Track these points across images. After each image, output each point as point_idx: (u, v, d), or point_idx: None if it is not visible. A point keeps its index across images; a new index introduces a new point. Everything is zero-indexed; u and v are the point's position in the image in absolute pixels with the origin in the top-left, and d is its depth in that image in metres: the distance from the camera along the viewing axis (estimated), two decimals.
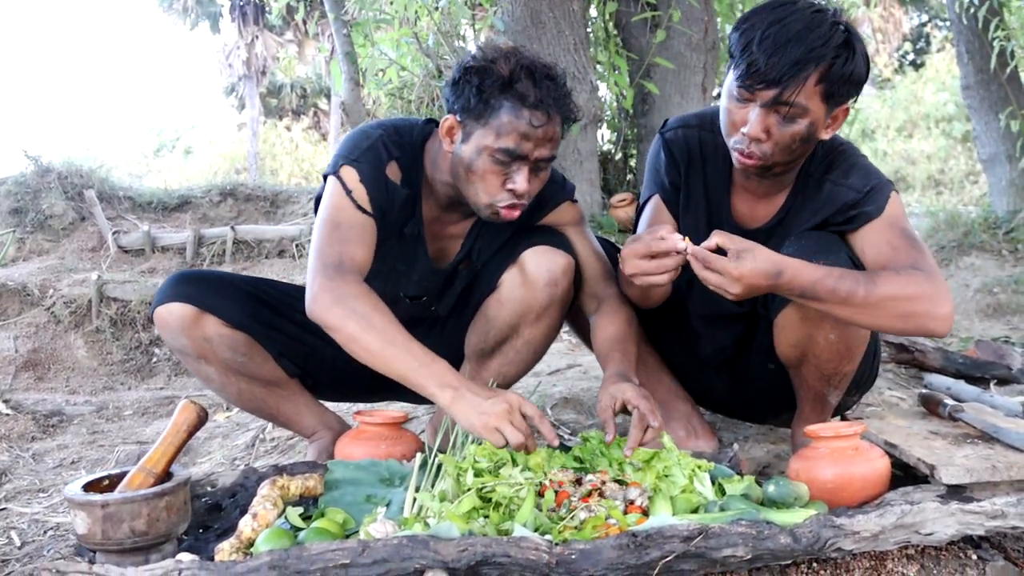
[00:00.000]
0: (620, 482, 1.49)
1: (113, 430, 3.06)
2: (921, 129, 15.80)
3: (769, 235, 1.70)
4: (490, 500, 1.39)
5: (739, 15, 1.86)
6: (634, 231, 1.92)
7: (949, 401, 1.87)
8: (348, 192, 1.67)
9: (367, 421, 1.74)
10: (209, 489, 1.64)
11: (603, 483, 1.46)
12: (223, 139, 23.91)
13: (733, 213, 1.79)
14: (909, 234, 1.59)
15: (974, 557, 1.39)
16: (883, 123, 16.26)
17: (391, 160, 1.72)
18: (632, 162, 5.92)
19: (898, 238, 1.58)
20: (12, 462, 2.61)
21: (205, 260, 5.48)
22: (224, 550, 1.30)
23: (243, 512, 1.43)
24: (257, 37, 20.53)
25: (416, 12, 5.19)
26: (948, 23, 10.83)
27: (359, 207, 1.67)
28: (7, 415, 3.07)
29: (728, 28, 5.55)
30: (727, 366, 1.98)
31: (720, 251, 1.46)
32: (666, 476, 1.49)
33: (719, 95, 1.79)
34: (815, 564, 1.33)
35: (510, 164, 1.61)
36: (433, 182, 1.76)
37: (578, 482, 1.48)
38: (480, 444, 1.50)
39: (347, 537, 1.35)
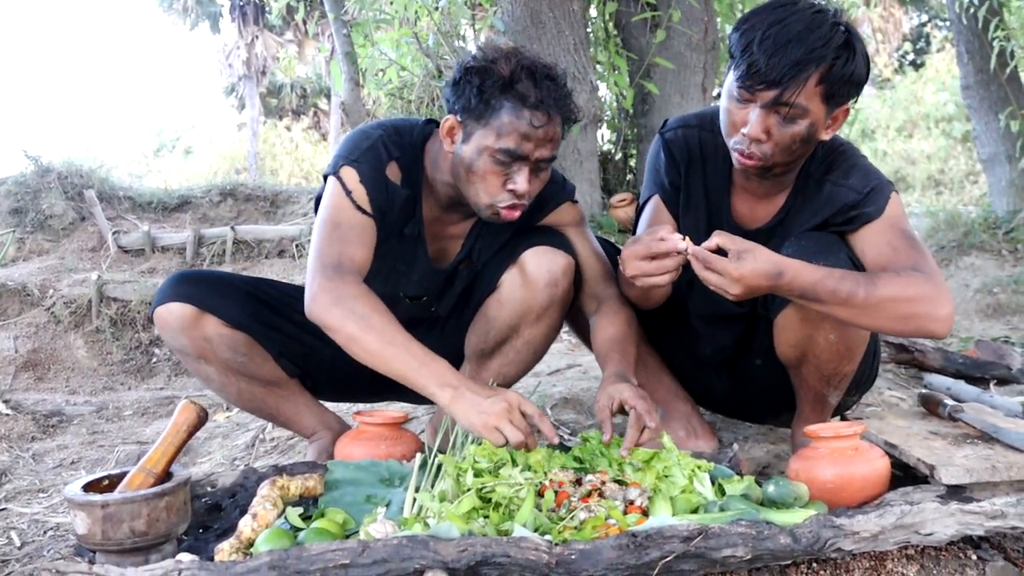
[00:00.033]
0: (620, 482, 1.49)
1: (113, 430, 3.06)
2: (921, 129, 15.81)
3: (769, 236, 1.70)
4: (490, 500, 1.39)
5: (739, 15, 1.86)
6: (634, 231, 1.92)
7: (949, 401, 1.87)
8: (348, 193, 1.67)
9: (367, 421, 1.74)
10: (209, 489, 1.64)
11: (603, 483, 1.46)
12: (223, 139, 23.91)
13: (733, 213, 1.79)
14: (909, 235, 1.59)
15: (974, 557, 1.39)
16: (883, 123, 16.26)
17: (391, 160, 1.72)
18: (632, 162, 5.92)
19: (898, 239, 1.58)
20: (12, 462, 2.61)
21: (205, 260, 5.48)
22: (224, 550, 1.30)
23: (243, 512, 1.43)
24: (257, 37, 20.53)
25: (416, 12, 5.19)
26: (948, 23, 10.84)
27: (359, 208, 1.67)
28: (7, 415, 3.07)
29: (728, 28, 5.56)
30: (727, 366, 1.98)
31: (721, 251, 1.46)
32: (666, 476, 1.49)
33: (719, 95, 1.79)
34: (815, 564, 1.33)
35: (511, 164, 1.61)
36: (433, 182, 1.76)
37: (578, 482, 1.48)
38: (480, 444, 1.50)
39: (347, 537, 1.35)
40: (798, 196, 1.71)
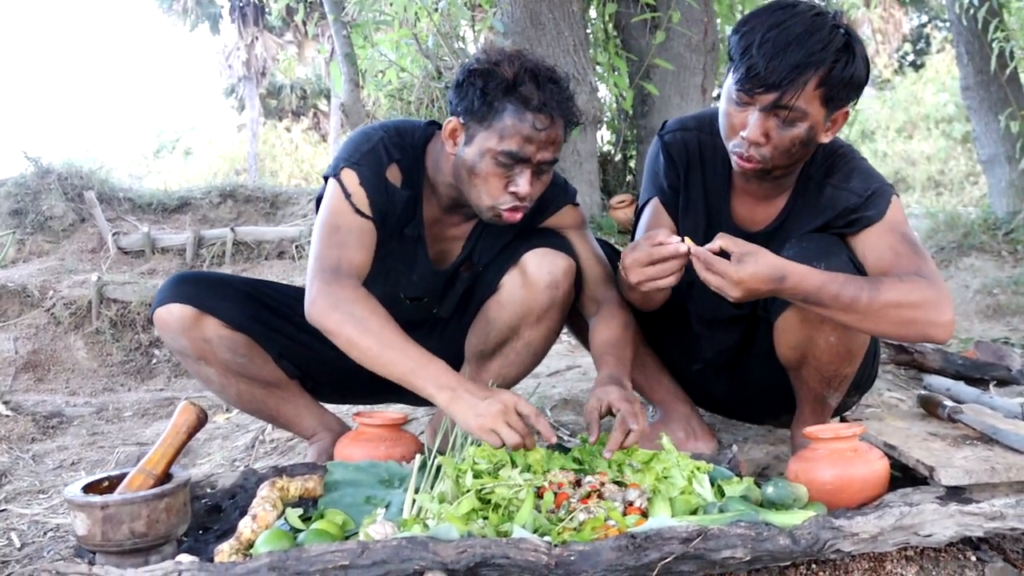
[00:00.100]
0: (619, 483, 1.49)
1: (113, 431, 3.05)
2: (921, 130, 15.81)
3: (769, 238, 1.70)
4: (489, 502, 1.39)
5: (739, 16, 1.86)
6: (633, 233, 1.92)
7: (948, 402, 1.88)
8: (348, 196, 1.67)
9: (367, 422, 1.74)
10: (209, 490, 1.64)
11: (602, 484, 1.46)
12: (223, 140, 23.91)
13: (733, 216, 1.79)
14: (910, 239, 1.59)
15: (973, 558, 1.39)
16: (883, 124, 16.27)
17: (392, 163, 1.72)
18: (632, 163, 5.92)
19: (900, 243, 1.58)
20: (12, 463, 2.61)
21: (205, 261, 5.48)
22: (224, 551, 1.30)
23: (243, 513, 1.43)
24: (257, 38, 20.53)
25: (416, 13, 5.19)
26: (948, 24, 10.83)
27: (358, 211, 1.67)
28: (7, 416, 3.07)
29: (728, 29, 5.56)
30: (727, 368, 1.98)
31: (724, 254, 1.46)
32: (665, 477, 1.49)
33: (719, 96, 1.79)
34: (814, 565, 1.34)
35: (513, 167, 1.61)
36: (435, 184, 1.76)
37: (577, 483, 1.48)
38: (479, 445, 1.51)
39: (346, 538, 1.35)
40: (798, 199, 1.71)
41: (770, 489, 1.42)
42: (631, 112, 5.69)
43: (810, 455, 1.52)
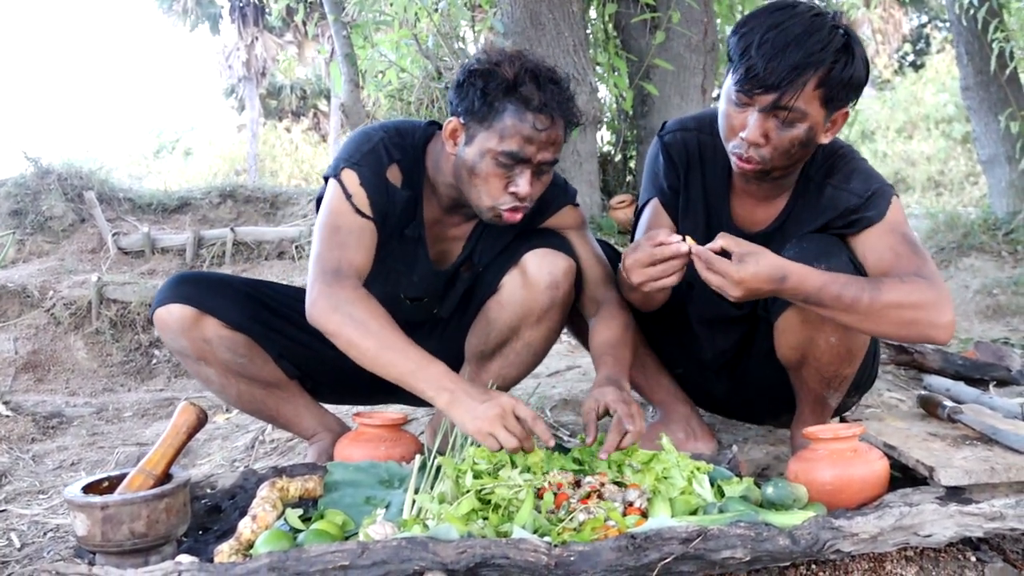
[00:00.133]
0: (619, 484, 1.49)
1: (113, 432, 3.05)
2: (921, 130, 15.82)
3: (769, 239, 1.70)
4: (489, 502, 1.39)
5: (739, 16, 1.86)
6: (633, 234, 1.92)
7: (948, 403, 1.88)
8: (348, 196, 1.67)
9: (366, 423, 1.74)
10: (209, 491, 1.64)
11: (602, 485, 1.46)
12: (223, 141, 23.92)
13: (733, 217, 1.79)
14: (911, 239, 1.59)
15: (973, 559, 1.39)
16: (883, 124, 16.27)
17: (392, 163, 1.72)
18: (632, 163, 5.92)
19: (900, 244, 1.58)
20: (12, 464, 2.61)
21: (205, 262, 5.48)
22: (223, 552, 1.31)
23: (242, 514, 1.44)
24: (257, 38, 20.54)
25: (416, 14, 5.19)
26: (948, 24, 10.84)
27: (359, 211, 1.67)
28: (7, 417, 3.07)
29: (728, 29, 5.55)
30: (727, 368, 1.99)
31: (725, 253, 1.46)
32: (665, 478, 1.49)
33: (718, 96, 1.79)
34: (814, 566, 1.34)
35: (513, 167, 1.61)
36: (435, 184, 1.77)
37: (577, 484, 1.48)
38: (479, 446, 1.51)
39: (346, 539, 1.35)
40: (798, 200, 1.71)
41: (770, 489, 1.42)
42: (631, 112, 5.69)
43: (810, 455, 1.52)
